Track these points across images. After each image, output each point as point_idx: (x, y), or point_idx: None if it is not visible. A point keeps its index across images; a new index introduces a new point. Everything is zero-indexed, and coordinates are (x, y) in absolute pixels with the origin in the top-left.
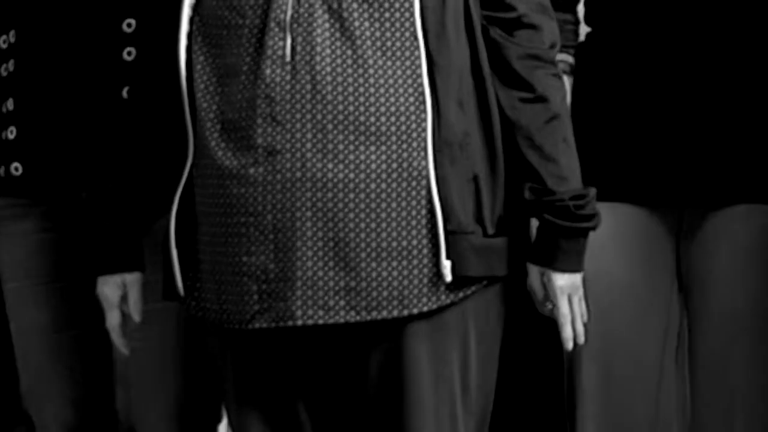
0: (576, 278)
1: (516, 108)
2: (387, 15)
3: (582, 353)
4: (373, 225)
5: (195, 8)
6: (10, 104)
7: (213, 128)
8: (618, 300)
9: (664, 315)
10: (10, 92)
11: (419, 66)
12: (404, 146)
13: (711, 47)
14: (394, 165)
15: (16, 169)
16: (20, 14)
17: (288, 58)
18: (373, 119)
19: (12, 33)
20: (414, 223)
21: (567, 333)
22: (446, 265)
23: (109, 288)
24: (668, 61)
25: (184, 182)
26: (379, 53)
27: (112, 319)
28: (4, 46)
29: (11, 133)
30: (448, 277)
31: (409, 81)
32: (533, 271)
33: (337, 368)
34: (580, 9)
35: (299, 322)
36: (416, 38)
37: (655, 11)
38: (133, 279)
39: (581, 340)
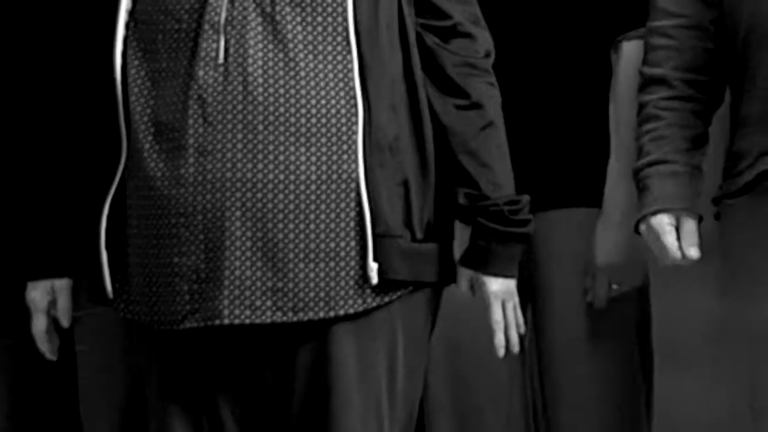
0: (510, 284)
1: (451, 114)
2: (320, 19)
3: (430, 362)
4: (301, 226)
5: (130, 13)
6: None
7: (146, 131)
8: (462, 307)
9: None
10: None
11: (351, 69)
12: (334, 148)
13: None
14: (324, 167)
15: None
16: None
17: (221, 60)
18: (303, 121)
19: None
20: (343, 225)
21: (498, 340)
22: (373, 267)
23: (38, 293)
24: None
25: (116, 185)
26: (311, 56)
27: (38, 324)
28: None
29: None
30: (374, 280)
31: (341, 84)
32: (464, 275)
33: (264, 370)
34: None
35: (226, 321)
36: (348, 42)
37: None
38: (62, 285)
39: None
